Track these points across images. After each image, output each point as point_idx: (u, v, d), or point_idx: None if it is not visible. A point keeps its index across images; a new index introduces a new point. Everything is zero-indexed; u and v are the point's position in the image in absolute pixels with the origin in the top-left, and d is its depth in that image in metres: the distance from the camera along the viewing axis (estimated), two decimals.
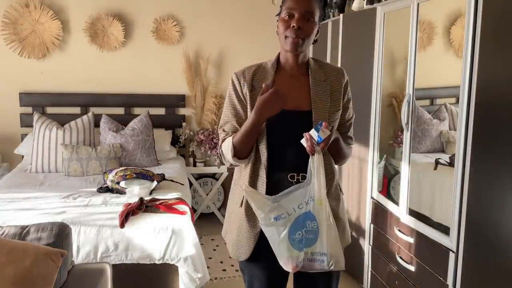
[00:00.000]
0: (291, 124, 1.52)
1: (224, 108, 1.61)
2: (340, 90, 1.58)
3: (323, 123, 1.40)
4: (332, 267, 1.43)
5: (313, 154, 1.42)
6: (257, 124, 1.45)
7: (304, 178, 1.50)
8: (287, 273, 1.64)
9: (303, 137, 1.43)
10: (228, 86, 1.59)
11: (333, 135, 1.45)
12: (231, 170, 4.26)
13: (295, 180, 1.52)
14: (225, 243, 1.73)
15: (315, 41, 1.55)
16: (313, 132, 1.41)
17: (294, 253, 1.41)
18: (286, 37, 1.48)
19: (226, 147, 1.53)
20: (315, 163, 1.41)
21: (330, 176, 1.56)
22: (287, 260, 1.42)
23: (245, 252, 1.57)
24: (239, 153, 1.51)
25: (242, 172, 1.59)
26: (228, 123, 1.59)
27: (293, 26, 1.45)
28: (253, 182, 1.54)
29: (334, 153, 1.58)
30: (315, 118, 1.51)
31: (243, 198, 1.56)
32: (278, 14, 1.55)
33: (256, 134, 1.49)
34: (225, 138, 1.57)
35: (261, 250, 1.55)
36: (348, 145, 1.66)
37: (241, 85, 1.55)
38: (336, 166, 1.64)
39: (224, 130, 1.60)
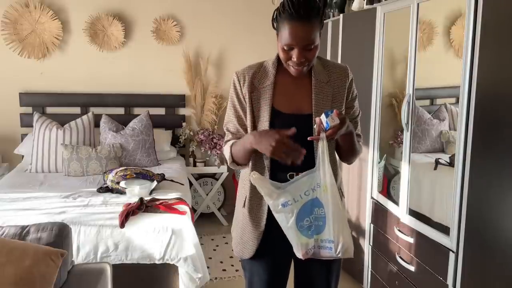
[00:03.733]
0: (297, 127, 1.49)
1: (227, 106, 1.62)
2: (343, 91, 1.55)
3: (335, 111, 1.36)
4: (339, 255, 1.42)
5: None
6: (250, 149, 1.44)
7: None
8: (288, 271, 1.65)
9: (303, 140, 1.42)
10: (230, 85, 1.60)
11: (345, 128, 1.39)
12: (231, 170, 4.27)
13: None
14: (231, 235, 1.74)
15: None
16: (322, 117, 1.37)
17: (303, 240, 1.41)
18: (288, 64, 1.45)
19: (226, 153, 1.56)
20: (319, 150, 1.40)
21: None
22: (296, 246, 1.42)
23: (249, 251, 1.58)
24: (236, 161, 1.54)
25: (247, 173, 1.58)
26: (230, 123, 1.60)
27: (295, 61, 1.41)
28: (254, 186, 1.54)
29: (347, 148, 1.55)
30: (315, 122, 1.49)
31: (245, 199, 1.57)
32: (275, 28, 1.47)
33: (250, 154, 1.49)
34: (228, 140, 1.59)
35: (264, 249, 1.56)
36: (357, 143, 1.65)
37: (241, 86, 1.54)
38: (339, 170, 1.64)
39: (228, 130, 1.61)
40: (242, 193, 1.61)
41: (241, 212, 1.61)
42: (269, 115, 1.50)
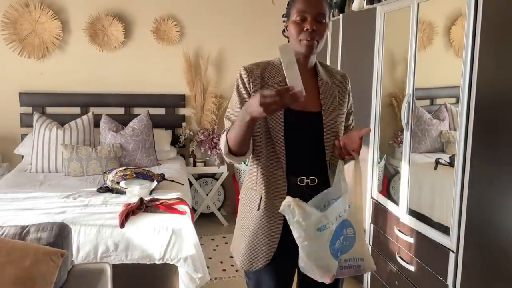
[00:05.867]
0: (302, 125, 1.50)
1: (231, 99, 1.56)
2: (345, 94, 1.59)
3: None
4: (368, 270, 1.45)
5: (343, 159, 1.44)
6: (245, 123, 1.31)
7: (313, 181, 1.49)
8: (293, 276, 1.61)
9: (313, 138, 1.44)
10: (236, 78, 1.54)
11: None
12: (231, 170, 4.27)
13: (305, 184, 1.49)
14: (228, 253, 1.67)
15: None
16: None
17: (333, 264, 1.40)
18: (300, 40, 1.46)
19: (222, 142, 1.45)
20: (357, 169, 1.43)
21: None
22: (324, 271, 1.38)
23: (263, 259, 1.50)
24: (233, 150, 1.42)
25: (258, 177, 1.53)
26: (233, 113, 1.52)
27: (307, 29, 1.43)
28: (269, 185, 1.49)
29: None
30: (325, 119, 1.50)
31: (260, 201, 1.51)
32: (285, 15, 1.54)
33: (247, 133, 1.35)
34: (225, 130, 1.50)
35: (273, 256, 1.51)
36: None
37: (249, 80, 1.50)
38: None
39: (228, 119, 1.53)
40: (254, 196, 1.54)
41: (252, 218, 1.53)
42: (283, 112, 1.47)
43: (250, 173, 1.57)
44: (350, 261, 1.42)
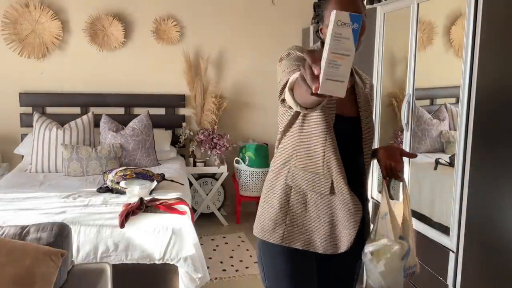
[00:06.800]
0: (339, 129, 1.45)
1: (283, 66, 1.38)
2: (372, 98, 1.59)
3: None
4: (417, 272, 1.54)
5: (384, 178, 1.54)
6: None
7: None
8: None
9: (350, 142, 1.47)
10: (286, 51, 1.44)
11: None
12: (231, 170, 4.28)
13: None
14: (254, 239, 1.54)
15: None
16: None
17: (402, 277, 1.51)
18: None
19: (290, 79, 1.20)
20: (405, 189, 1.55)
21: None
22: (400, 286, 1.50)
23: (348, 241, 1.46)
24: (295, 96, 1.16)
25: (326, 160, 1.44)
26: (292, 72, 1.34)
27: None
28: (339, 171, 1.43)
29: None
30: (363, 125, 1.49)
31: (331, 184, 1.43)
32: (316, 18, 1.47)
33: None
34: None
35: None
36: None
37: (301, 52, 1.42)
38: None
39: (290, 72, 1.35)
40: (321, 180, 1.44)
41: (322, 203, 1.46)
42: (334, 117, 1.43)
43: (308, 156, 1.46)
44: (408, 270, 1.53)
